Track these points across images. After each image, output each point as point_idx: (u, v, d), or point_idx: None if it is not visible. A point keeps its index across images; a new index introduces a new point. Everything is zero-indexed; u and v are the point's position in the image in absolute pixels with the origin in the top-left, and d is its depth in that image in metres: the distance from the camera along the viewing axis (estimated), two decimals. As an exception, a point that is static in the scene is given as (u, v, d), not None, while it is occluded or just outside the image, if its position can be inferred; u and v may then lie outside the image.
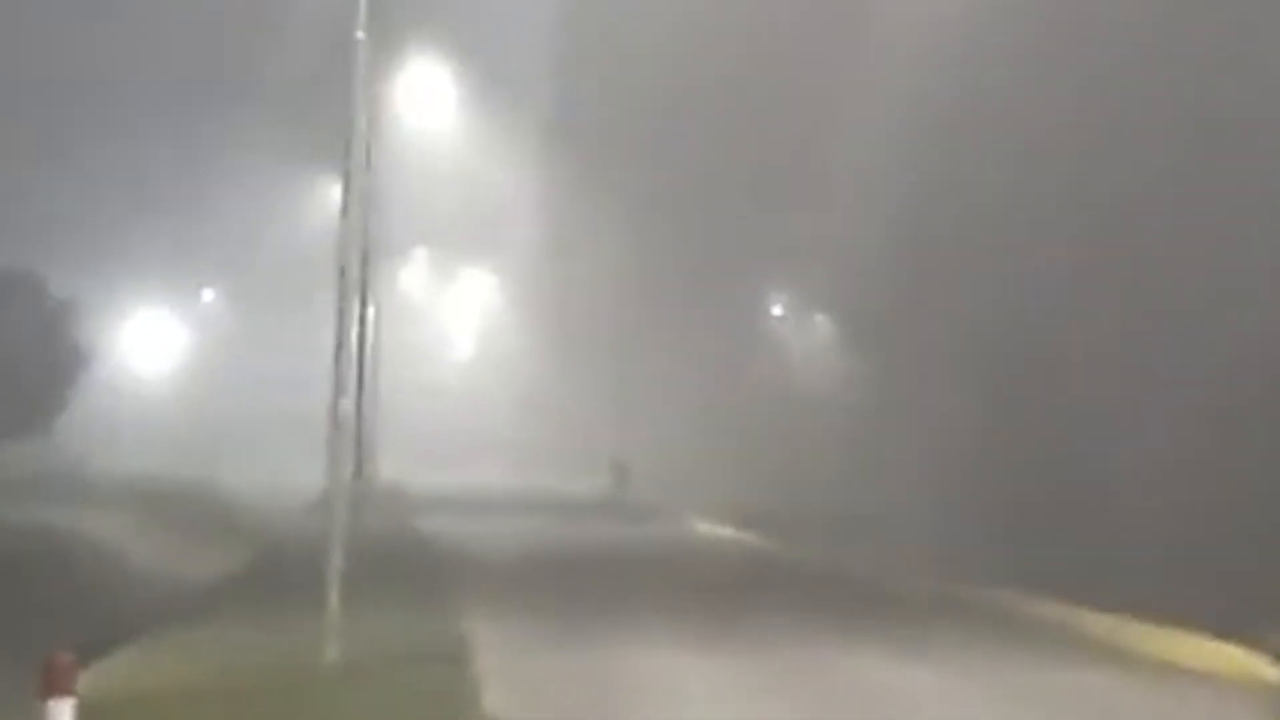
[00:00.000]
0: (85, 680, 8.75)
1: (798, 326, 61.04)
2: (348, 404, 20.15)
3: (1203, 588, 24.84)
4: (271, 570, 31.09)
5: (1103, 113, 38.63)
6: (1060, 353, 37.74)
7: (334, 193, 21.38)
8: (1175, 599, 23.59)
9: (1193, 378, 34.42)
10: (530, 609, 25.46)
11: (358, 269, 20.66)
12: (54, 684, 8.61)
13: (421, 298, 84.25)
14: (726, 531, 46.10)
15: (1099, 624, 24.36)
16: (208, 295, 75.44)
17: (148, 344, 72.85)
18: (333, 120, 20.87)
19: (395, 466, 56.86)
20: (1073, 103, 39.58)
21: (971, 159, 42.32)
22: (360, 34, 19.74)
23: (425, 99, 63.24)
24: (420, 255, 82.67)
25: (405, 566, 30.52)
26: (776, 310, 63.35)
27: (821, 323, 58.79)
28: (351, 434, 21.76)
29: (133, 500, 44.34)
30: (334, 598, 18.83)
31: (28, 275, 53.51)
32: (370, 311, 38.80)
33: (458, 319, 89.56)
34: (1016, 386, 39.61)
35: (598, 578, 31.98)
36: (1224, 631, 21.71)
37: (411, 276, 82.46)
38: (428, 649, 20.16)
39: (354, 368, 20.59)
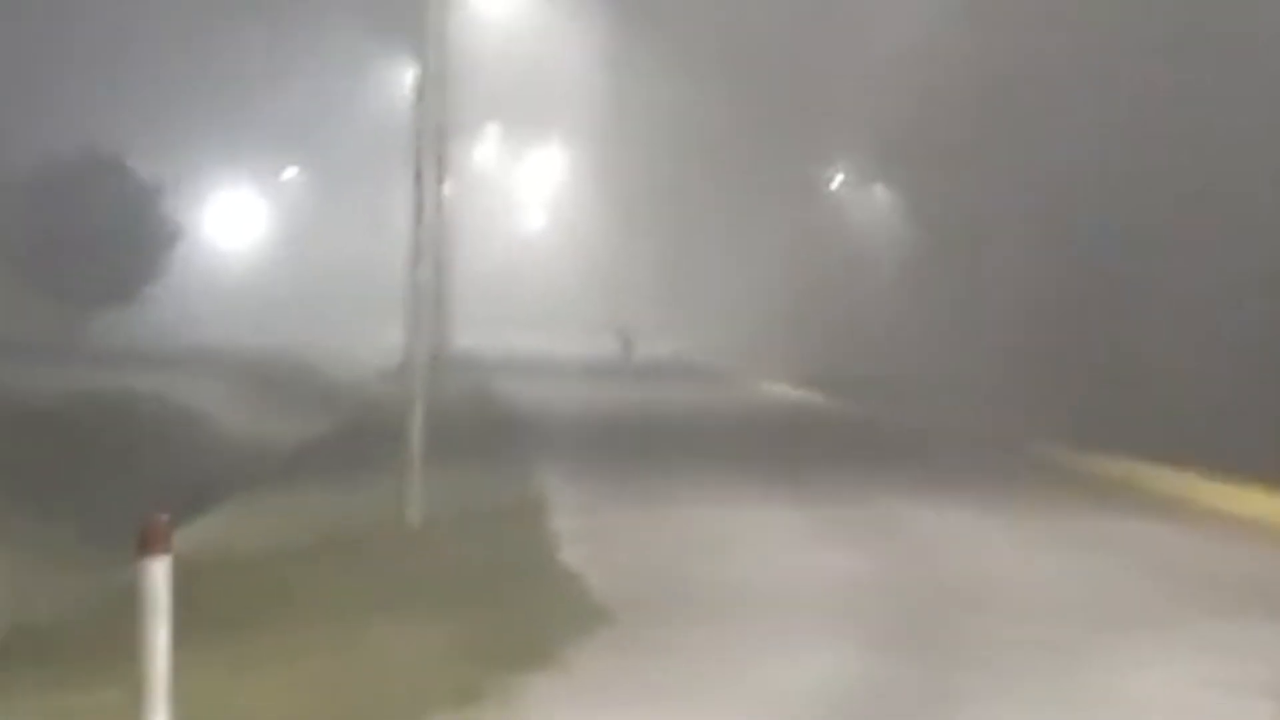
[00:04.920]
0: (179, 540, 9.13)
1: (857, 196, 61.24)
2: (425, 275, 20.88)
3: (1261, 440, 25.30)
4: (354, 435, 31.83)
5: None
6: (1119, 213, 37.76)
7: (409, 72, 22.00)
8: (1234, 452, 24.08)
9: (1259, 234, 34.40)
10: (601, 467, 26.22)
11: (433, 146, 21.31)
12: (150, 544, 8.66)
13: (494, 172, 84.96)
14: (790, 392, 46.82)
15: (1158, 477, 25.02)
16: (289, 173, 76.21)
17: (232, 221, 73.71)
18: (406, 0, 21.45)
19: (471, 334, 57.69)
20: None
21: (1034, 25, 42.17)
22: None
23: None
24: (493, 131, 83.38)
25: (481, 429, 31.22)
26: (837, 179, 63.54)
27: (880, 192, 59.01)
28: (429, 304, 22.46)
29: (222, 369, 45.13)
30: (415, 460, 19.63)
31: (114, 159, 54.62)
32: (445, 186, 39.41)
33: (529, 192, 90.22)
34: (1075, 249, 39.78)
35: (667, 437, 32.72)
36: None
37: (485, 152, 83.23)
38: (504, 508, 20.94)
39: (430, 240, 21.25)
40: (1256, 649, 13.41)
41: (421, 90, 20.64)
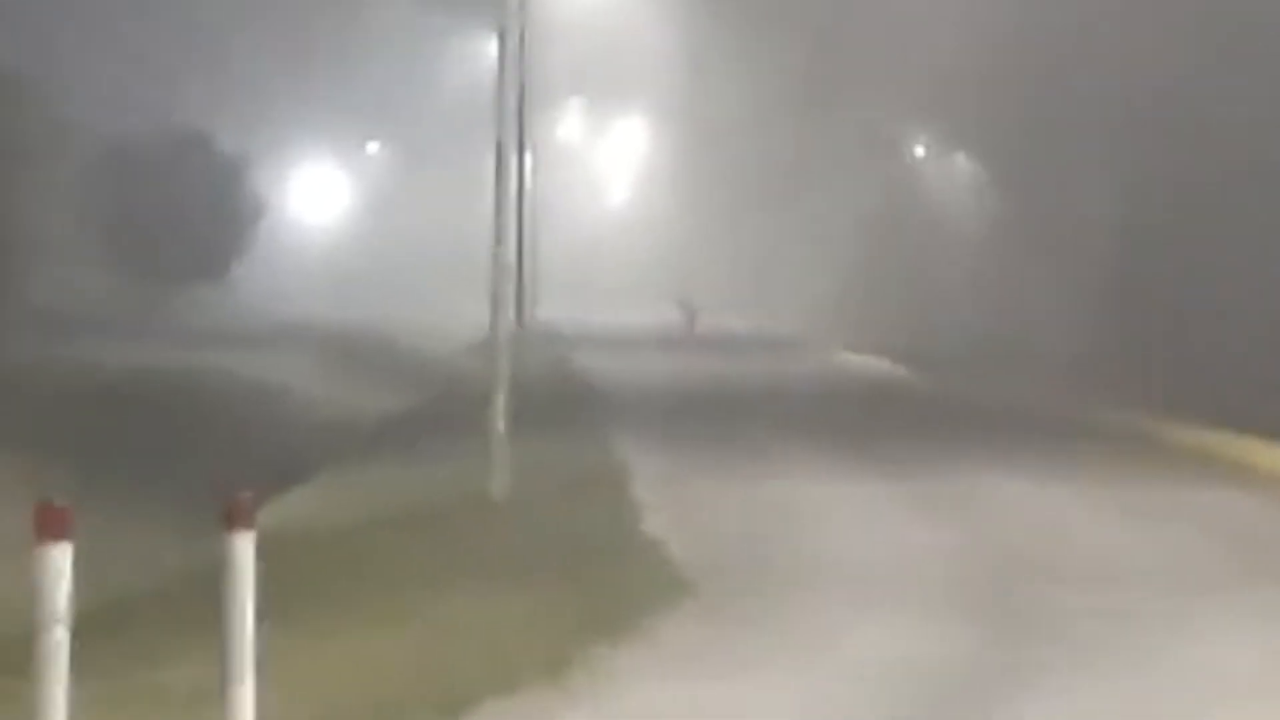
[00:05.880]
0: (265, 515, 9.17)
1: (939, 166, 61.12)
2: (508, 249, 21.00)
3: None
4: (439, 408, 32.07)
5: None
6: (1197, 188, 37.70)
7: (491, 46, 22.10)
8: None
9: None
10: (681, 439, 26.30)
11: (515, 120, 21.39)
12: (236, 519, 8.72)
13: (577, 146, 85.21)
14: (872, 363, 46.82)
15: (1233, 445, 24.97)
16: (372, 148, 76.63)
17: (316, 196, 74.15)
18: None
19: (553, 307, 57.95)
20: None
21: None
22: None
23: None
24: (575, 105, 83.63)
25: (564, 402, 31.37)
26: (919, 150, 63.40)
27: (962, 162, 58.89)
28: (512, 277, 22.58)
29: (309, 344, 45.43)
30: (498, 433, 19.74)
31: (200, 134, 55.09)
32: (528, 160, 39.56)
33: (611, 165, 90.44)
34: (1153, 219, 39.71)
35: (748, 409, 32.80)
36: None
37: (567, 126, 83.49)
38: (586, 479, 21.05)
39: (512, 214, 21.36)
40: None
41: (503, 63, 20.72)
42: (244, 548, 8.75)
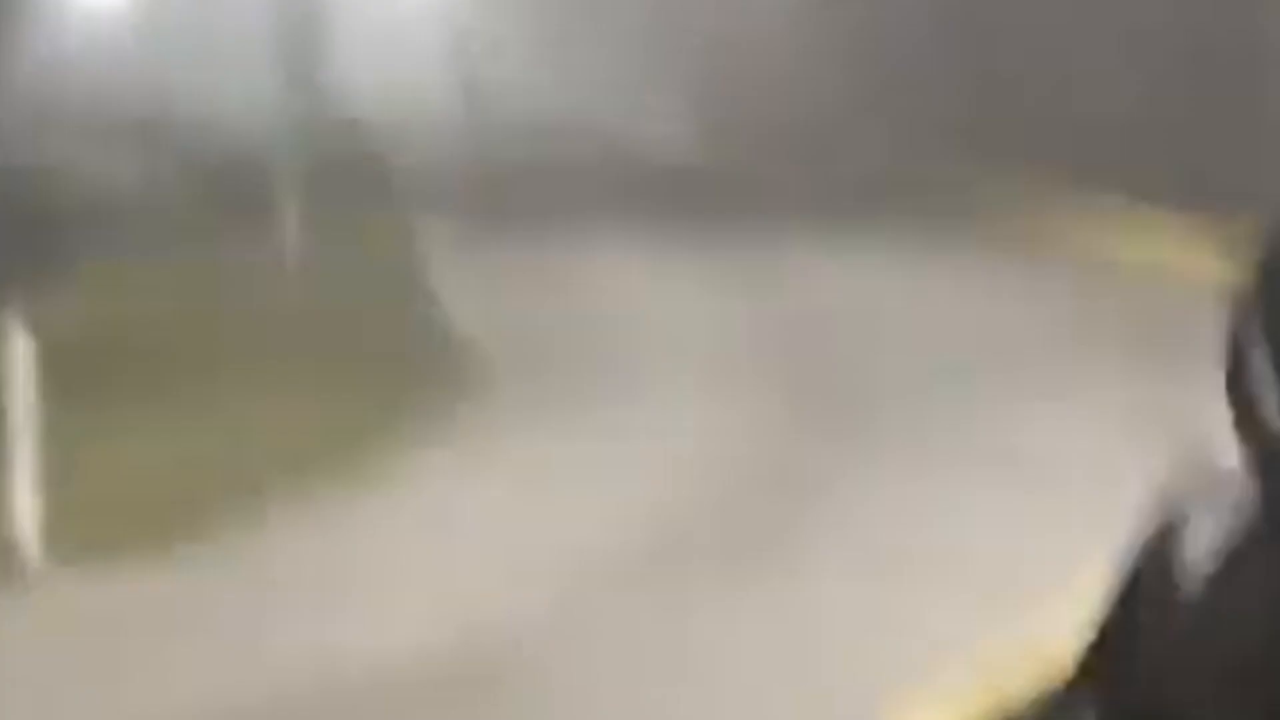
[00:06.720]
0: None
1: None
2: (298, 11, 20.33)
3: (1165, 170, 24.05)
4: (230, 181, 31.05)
5: None
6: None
7: None
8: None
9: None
10: (476, 207, 25.50)
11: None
12: None
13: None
14: (677, 138, 46.12)
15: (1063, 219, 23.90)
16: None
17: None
18: None
19: (346, 62, 56.27)
20: None
21: None
22: None
23: None
24: None
25: (354, 165, 30.37)
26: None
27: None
28: (304, 39, 21.88)
29: (93, 128, 43.88)
30: (288, 202, 19.12)
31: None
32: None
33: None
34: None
35: (544, 179, 31.89)
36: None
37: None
38: (375, 240, 20.40)
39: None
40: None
41: None
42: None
